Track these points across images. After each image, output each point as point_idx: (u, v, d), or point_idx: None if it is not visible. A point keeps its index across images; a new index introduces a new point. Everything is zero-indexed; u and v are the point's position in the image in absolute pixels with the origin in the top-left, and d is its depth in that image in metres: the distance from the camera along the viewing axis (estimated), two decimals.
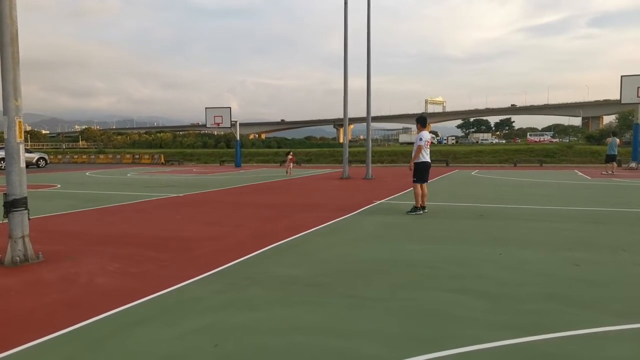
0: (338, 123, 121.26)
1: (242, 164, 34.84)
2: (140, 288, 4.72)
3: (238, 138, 35.24)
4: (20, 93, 5.78)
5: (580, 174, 21.77)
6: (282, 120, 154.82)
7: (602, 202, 11.37)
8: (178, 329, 3.68)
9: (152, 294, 4.51)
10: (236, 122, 34.38)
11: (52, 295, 4.58)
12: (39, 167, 33.44)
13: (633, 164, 25.01)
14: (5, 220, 5.86)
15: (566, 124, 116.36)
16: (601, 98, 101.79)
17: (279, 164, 36.83)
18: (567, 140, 76.59)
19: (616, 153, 21.60)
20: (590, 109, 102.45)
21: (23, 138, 5.91)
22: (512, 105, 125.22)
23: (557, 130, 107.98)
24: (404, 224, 8.54)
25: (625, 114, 49.04)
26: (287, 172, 23.01)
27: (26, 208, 5.92)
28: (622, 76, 25.25)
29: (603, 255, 5.96)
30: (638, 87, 24.58)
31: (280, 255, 6.15)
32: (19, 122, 5.79)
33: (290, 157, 24.52)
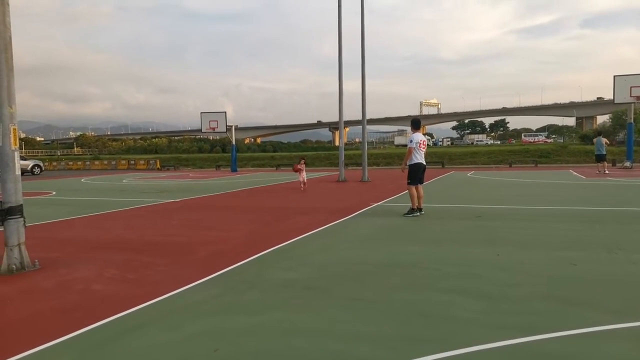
0: (333, 126, 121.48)
1: (238, 169, 34.79)
2: (138, 294, 4.70)
3: (234, 142, 35.22)
4: (14, 100, 5.77)
5: (574, 173, 21.86)
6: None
7: (597, 202, 11.41)
8: (177, 334, 3.66)
9: (150, 299, 4.49)
10: (232, 126, 34.36)
11: (49, 303, 4.56)
12: (34, 174, 33.28)
13: (627, 163, 25.10)
14: (1, 229, 5.83)
15: (560, 124, 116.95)
16: (594, 98, 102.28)
17: (274, 168, 36.81)
18: (562, 141, 76.89)
19: (604, 152, 21.67)
20: (584, 109, 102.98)
21: (18, 145, 5.89)
22: (503, 107, 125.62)
23: (551, 130, 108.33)
24: (401, 226, 8.54)
25: (619, 114, 49.24)
26: (302, 185, 17.04)
27: (22, 216, 5.90)
28: (614, 76, 25.38)
29: (599, 254, 5.98)
30: (631, 87, 24.71)
31: (277, 259, 6.14)
32: (14, 129, 5.77)
33: (302, 162, 17.72)
